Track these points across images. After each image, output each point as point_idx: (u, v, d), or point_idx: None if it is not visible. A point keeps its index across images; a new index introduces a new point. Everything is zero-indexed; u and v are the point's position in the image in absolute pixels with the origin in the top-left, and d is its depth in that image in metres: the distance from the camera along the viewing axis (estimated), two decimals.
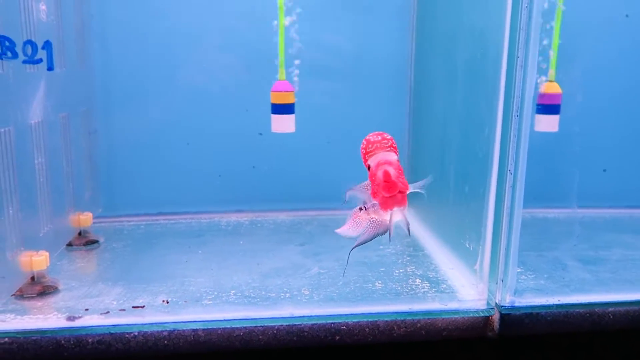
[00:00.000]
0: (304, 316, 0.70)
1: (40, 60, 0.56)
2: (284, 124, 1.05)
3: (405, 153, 1.17)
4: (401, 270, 0.85)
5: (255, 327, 0.70)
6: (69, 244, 0.94)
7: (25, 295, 0.75)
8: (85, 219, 0.97)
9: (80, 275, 0.84)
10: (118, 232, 1.06)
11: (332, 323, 0.70)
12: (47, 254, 0.78)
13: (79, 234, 0.98)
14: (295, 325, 0.70)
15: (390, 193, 0.65)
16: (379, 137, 0.68)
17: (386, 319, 0.71)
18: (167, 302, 0.73)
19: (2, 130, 0.68)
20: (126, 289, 0.79)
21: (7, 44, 0.55)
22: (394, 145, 0.68)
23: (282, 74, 1.04)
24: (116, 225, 1.10)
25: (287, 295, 0.77)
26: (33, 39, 0.73)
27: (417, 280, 0.82)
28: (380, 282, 0.81)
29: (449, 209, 0.89)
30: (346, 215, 0.75)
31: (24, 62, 0.55)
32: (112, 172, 1.14)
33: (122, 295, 0.76)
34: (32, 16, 0.76)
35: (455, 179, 0.85)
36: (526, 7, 0.63)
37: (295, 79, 1.07)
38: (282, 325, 0.70)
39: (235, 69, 1.12)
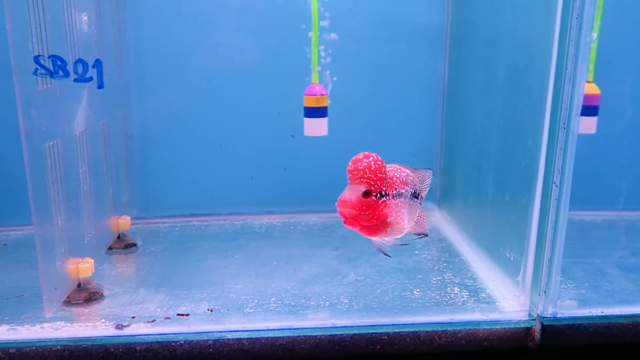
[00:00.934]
0: (345, 326, 0.71)
1: (91, 78, 0.56)
2: (316, 127, 1.05)
3: (437, 157, 1.16)
4: (438, 278, 0.85)
5: (298, 336, 0.71)
6: (109, 248, 0.97)
7: (72, 302, 0.77)
8: (124, 222, 0.98)
9: (123, 280, 0.86)
10: (154, 235, 1.08)
11: (373, 333, 0.71)
12: (92, 260, 0.80)
13: (118, 237, 1.00)
14: (337, 335, 0.71)
15: (352, 228, 0.64)
16: (351, 166, 0.63)
17: (427, 329, 0.71)
18: (211, 310, 0.75)
19: (51, 143, 0.70)
20: (168, 296, 0.80)
21: (58, 63, 0.56)
22: (366, 176, 0.62)
23: (315, 78, 1.04)
24: (152, 227, 1.12)
25: (327, 303, 0.78)
26: (77, 51, 0.74)
27: (456, 288, 0.82)
28: (418, 290, 0.81)
29: (486, 215, 0.89)
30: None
31: (75, 80, 0.56)
32: (146, 175, 1.15)
33: (165, 302, 0.78)
34: (75, 28, 0.77)
35: (494, 187, 0.84)
36: (577, 18, 0.62)
37: (329, 86, 1.07)
38: (323, 335, 0.71)
39: (268, 72, 1.13)
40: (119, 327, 0.71)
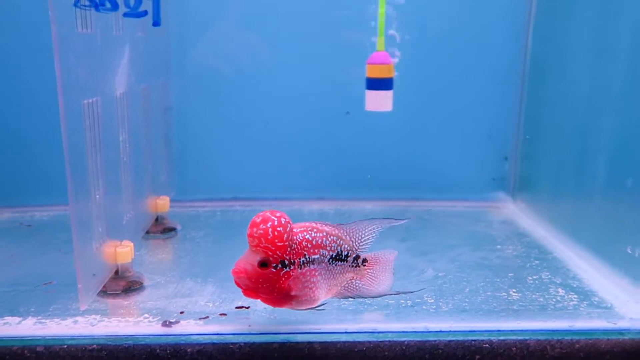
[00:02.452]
0: (440, 331, 0.59)
1: (145, 12, 0.46)
2: (380, 101, 0.92)
3: (514, 139, 1.01)
4: (535, 277, 0.72)
5: (381, 342, 0.58)
6: (146, 232, 0.86)
7: (109, 292, 0.66)
8: (163, 204, 0.87)
9: (164, 269, 0.75)
10: (194, 219, 0.96)
11: (472, 340, 0.59)
12: (132, 244, 0.69)
13: (156, 220, 0.89)
14: (429, 341, 0.58)
15: (251, 297, 0.55)
16: (249, 231, 0.53)
17: (539, 337, 0.58)
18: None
19: (90, 101, 0.59)
20: (219, 288, 0.68)
21: None
22: (263, 245, 0.52)
23: (381, 44, 0.91)
24: (190, 211, 1.00)
25: (409, 302, 0.65)
26: None
27: (560, 290, 0.69)
28: (514, 290, 0.69)
29: (591, 206, 0.75)
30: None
31: (125, 14, 0.45)
32: (185, 153, 1.04)
33: (217, 296, 0.66)
34: None
35: (607, 171, 0.71)
36: None
37: (396, 56, 0.95)
38: (412, 340, 0.58)
39: (323, 38, 1.00)
40: (166, 324, 0.60)
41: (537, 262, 0.77)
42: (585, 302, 0.65)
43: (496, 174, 1.04)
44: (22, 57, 0.92)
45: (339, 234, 0.58)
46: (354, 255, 0.59)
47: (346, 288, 0.60)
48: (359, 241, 0.60)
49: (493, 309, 0.64)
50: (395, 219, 0.61)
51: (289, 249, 0.54)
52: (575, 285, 0.70)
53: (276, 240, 0.53)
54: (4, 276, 0.70)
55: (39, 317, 0.60)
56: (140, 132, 0.78)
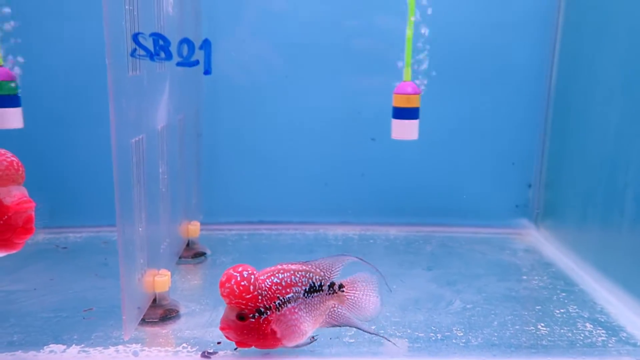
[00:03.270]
0: None
1: (197, 62, 0.48)
2: (406, 130, 0.94)
3: (538, 166, 1.03)
4: (562, 311, 0.73)
5: None
6: (179, 257, 0.88)
7: (147, 320, 0.68)
8: (194, 229, 0.89)
9: (198, 296, 0.77)
10: (222, 243, 0.98)
11: None
12: (169, 273, 0.71)
13: (187, 244, 0.92)
14: None
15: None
16: (220, 290, 0.56)
17: None
18: (314, 339, 0.65)
19: (137, 139, 0.61)
20: None
21: (160, 42, 0.47)
22: (235, 301, 0.55)
23: (407, 75, 0.94)
24: (218, 235, 1.03)
25: (439, 336, 0.67)
26: (163, 33, 0.66)
27: (588, 325, 0.70)
28: (542, 324, 0.70)
29: (619, 238, 0.76)
30: None
31: (178, 64, 0.48)
32: (212, 177, 1.06)
33: None
34: (162, 9, 0.69)
35: (636, 203, 0.72)
36: None
37: (422, 85, 0.97)
38: None
39: (348, 68, 1.03)
40: (204, 355, 0.62)
41: (563, 294, 0.78)
42: (613, 338, 0.66)
43: (519, 201, 1.05)
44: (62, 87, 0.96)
45: (307, 269, 0.61)
46: (329, 283, 0.61)
47: (331, 316, 0.62)
48: (329, 271, 0.62)
49: (522, 344, 0.65)
50: (365, 261, 0.63)
51: (259, 297, 0.57)
52: (603, 320, 0.71)
53: (244, 294, 0.56)
54: (46, 301, 0.72)
55: (82, 346, 0.62)
56: (176, 162, 0.80)
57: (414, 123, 0.96)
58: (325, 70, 1.01)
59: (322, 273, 0.61)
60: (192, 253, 0.89)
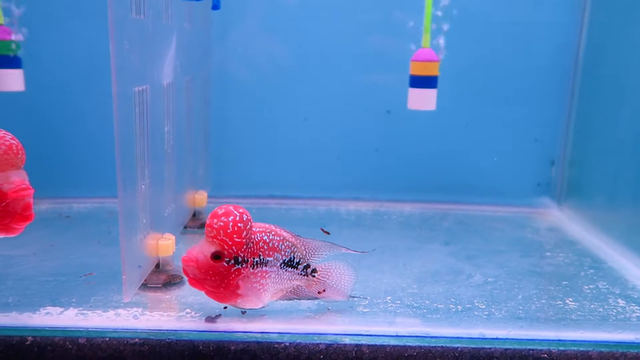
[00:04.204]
0: (496, 338, 0.55)
1: None
2: (423, 99, 0.89)
3: (561, 143, 0.98)
4: (591, 287, 0.69)
5: (433, 347, 0.55)
6: (184, 226, 0.85)
7: (149, 285, 0.64)
8: (201, 198, 0.86)
9: None
10: None
11: (530, 349, 0.55)
12: (174, 237, 0.67)
13: (193, 215, 0.88)
14: (484, 348, 0.55)
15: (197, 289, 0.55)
16: (208, 221, 0.53)
17: (602, 349, 0.55)
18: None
19: (140, 88, 0.57)
20: None
21: None
22: (220, 237, 0.52)
23: (426, 41, 0.89)
24: None
25: (459, 307, 0.63)
26: None
27: (620, 300, 0.65)
28: (571, 299, 0.65)
29: None
30: None
31: None
32: (222, 149, 1.03)
33: None
34: None
35: None
36: None
37: (442, 53, 0.92)
38: (466, 347, 0.55)
39: (365, 35, 0.97)
40: (210, 319, 0.58)
41: (591, 270, 0.73)
42: None
43: (542, 179, 1.00)
44: (60, 43, 0.93)
45: (295, 242, 0.58)
46: (305, 264, 0.58)
47: (292, 292, 0.59)
48: (312, 253, 0.59)
49: (550, 317, 0.61)
50: (354, 250, 0.60)
51: (245, 246, 0.54)
52: (636, 297, 0.66)
53: (234, 235, 0.53)
54: (46, 265, 0.69)
55: (81, 308, 0.58)
56: (182, 125, 0.77)
57: (432, 92, 0.91)
58: (340, 40, 0.97)
59: (304, 252, 0.58)
60: (198, 223, 0.86)
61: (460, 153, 1.00)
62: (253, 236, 0.54)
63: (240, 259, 0.53)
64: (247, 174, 1.03)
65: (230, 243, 0.53)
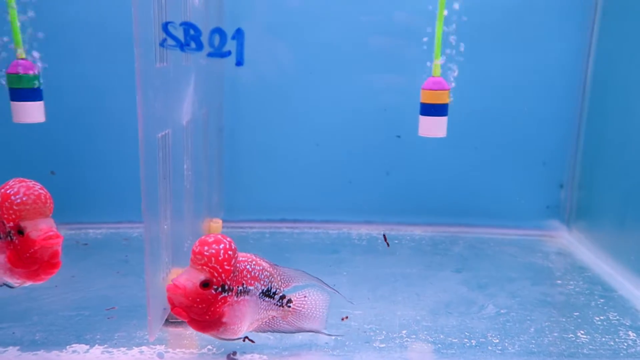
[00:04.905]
0: None
1: (229, 53, 0.46)
2: (434, 127, 0.90)
3: (570, 165, 0.99)
4: (602, 318, 0.70)
5: None
6: None
7: (170, 320, 0.67)
8: (217, 226, 0.87)
9: None
10: (243, 241, 0.97)
11: None
12: None
13: None
14: None
15: (181, 318, 0.54)
16: (198, 248, 0.53)
17: None
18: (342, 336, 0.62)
19: (163, 133, 0.59)
20: None
21: (192, 32, 0.45)
22: (210, 265, 0.52)
23: (436, 70, 0.91)
24: (239, 232, 1.01)
25: (473, 342, 0.64)
26: (173, 22, 0.64)
27: (631, 333, 0.66)
28: (582, 332, 0.66)
29: None
30: None
31: (210, 55, 0.45)
32: (233, 173, 1.05)
33: None
34: (188, 1, 0.67)
35: None
36: None
37: (452, 82, 0.93)
38: None
39: (375, 62, 0.99)
40: (230, 357, 0.60)
41: (602, 300, 0.75)
42: None
43: (550, 201, 1.01)
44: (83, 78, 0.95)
45: (272, 272, 0.58)
46: (280, 294, 0.59)
47: (268, 324, 0.60)
48: (286, 283, 0.60)
49: (562, 352, 0.62)
50: (330, 287, 0.60)
51: (231, 274, 0.54)
52: None
53: (225, 263, 0.53)
54: (68, 299, 0.71)
55: (106, 346, 0.60)
56: (199, 157, 0.78)
57: (443, 120, 0.93)
58: (350, 67, 0.98)
59: (280, 282, 0.59)
60: None
61: (470, 177, 1.01)
62: (238, 265, 0.55)
63: (226, 287, 0.54)
64: (259, 198, 1.04)
65: (220, 271, 0.53)
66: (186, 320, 0.54)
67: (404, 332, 0.66)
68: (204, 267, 0.53)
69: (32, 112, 0.87)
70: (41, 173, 1.00)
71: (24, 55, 0.85)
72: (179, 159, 0.66)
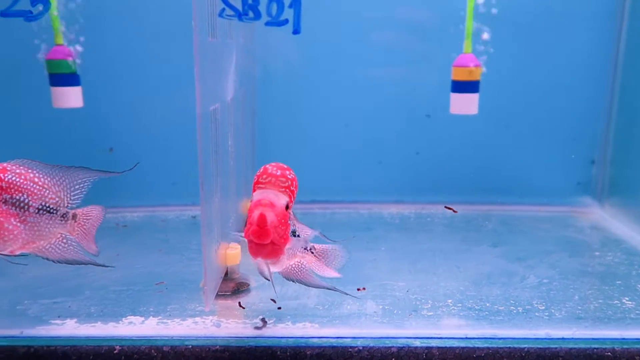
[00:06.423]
0: (562, 338, 0.58)
1: (287, 21, 0.47)
2: (466, 104, 0.91)
3: (601, 141, 0.99)
4: None
5: (500, 348, 0.57)
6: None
7: (219, 293, 0.68)
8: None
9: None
10: None
11: (595, 348, 0.57)
12: (239, 246, 0.70)
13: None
14: (550, 348, 0.57)
15: (259, 241, 0.52)
16: (278, 172, 0.53)
17: None
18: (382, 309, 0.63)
19: (214, 107, 0.60)
20: (323, 291, 0.69)
21: (250, 1, 0.46)
22: (292, 188, 0.53)
23: (468, 46, 0.91)
24: None
25: (520, 309, 0.64)
26: None
27: None
28: (627, 298, 0.67)
29: None
30: None
31: (267, 23, 0.46)
32: (264, 155, 1.06)
33: (323, 299, 0.67)
34: None
35: None
36: None
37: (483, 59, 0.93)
38: (532, 347, 0.57)
39: (401, 40, 1.00)
40: (283, 326, 0.61)
41: None
42: None
43: (582, 178, 1.01)
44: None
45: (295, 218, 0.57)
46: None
47: (293, 268, 0.60)
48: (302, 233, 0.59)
49: (609, 317, 0.63)
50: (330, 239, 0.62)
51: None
52: None
53: (295, 190, 0.55)
54: (116, 275, 0.72)
55: (160, 317, 0.61)
56: (239, 136, 0.79)
57: (474, 97, 0.94)
58: (378, 46, 0.99)
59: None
60: None
61: (500, 154, 1.02)
62: None
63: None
64: None
65: (293, 196, 0.54)
66: (267, 242, 0.52)
67: (450, 301, 0.66)
68: (286, 190, 0.54)
69: (70, 98, 0.89)
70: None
71: (61, 41, 0.87)
72: (225, 135, 0.67)
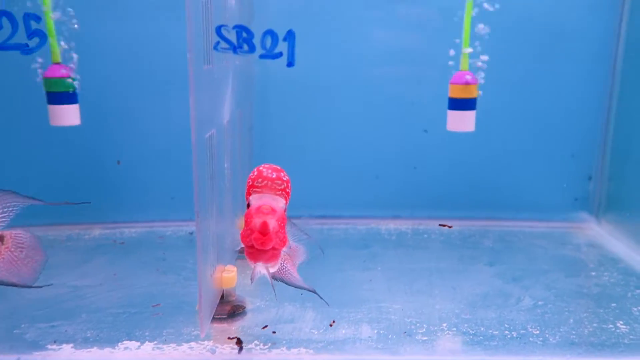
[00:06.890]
0: None
1: (281, 54, 0.47)
2: (462, 121, 0.91)
3: (599, 157, 0.99)
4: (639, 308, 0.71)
5: None
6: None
7: (215, 317, 0.68)
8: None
9: (260, 291, 0.76)
10: None
11: None
12: (235, 269, 0.70)
13: None
14: None
15: (262, 247, 0.52)
16: (273, 175, 0.54)
17: None
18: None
19: (209, 134, 0.60)
20: (320, 314, 0.69)
21: (244, 35, 0.46)
22: (287, 190, 0.54)
23: (464, 64, 0.91)
24: None
25: (514, 334, 0.65)
26: (226, 25, 0.65)
27: None
28: (621, 322, 0.67)
29: None
30: None
31: (262, 56, 0.47)
32: None
33: (319, 322, 0.67)
34: (227, 1, 0.68)
35: None
36: None
37: (481, 75, 0.93)
38: None
39: (402, 55, 0.99)
40: (279, 352, 0.61)
41: (638, 291, 0.75)
42: None
43: (579, 193, 1.02)
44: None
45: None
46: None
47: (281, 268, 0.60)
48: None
49: (603, 342, 0.63)
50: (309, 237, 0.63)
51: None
52: None
53: (290, 191, 0.56)
54: (113, 296, 0.72)
55: (156, 342, 0.62)
56: (235, 156, 0.80)
57: (471, 114, 0.94)
58: (376, 61, 1.00)
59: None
60: None
61: (497, 170, 1.02)
62: None
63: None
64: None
65: (289, 191, 0.55)
66: (267, 248, 0.53)
67: (445, 325, 0.67)
68: (282, 193, 0.54)
69: (68, 116, 0.89)
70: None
71: (59, 59, 0.87)
72: (221, 158, 0.67)
